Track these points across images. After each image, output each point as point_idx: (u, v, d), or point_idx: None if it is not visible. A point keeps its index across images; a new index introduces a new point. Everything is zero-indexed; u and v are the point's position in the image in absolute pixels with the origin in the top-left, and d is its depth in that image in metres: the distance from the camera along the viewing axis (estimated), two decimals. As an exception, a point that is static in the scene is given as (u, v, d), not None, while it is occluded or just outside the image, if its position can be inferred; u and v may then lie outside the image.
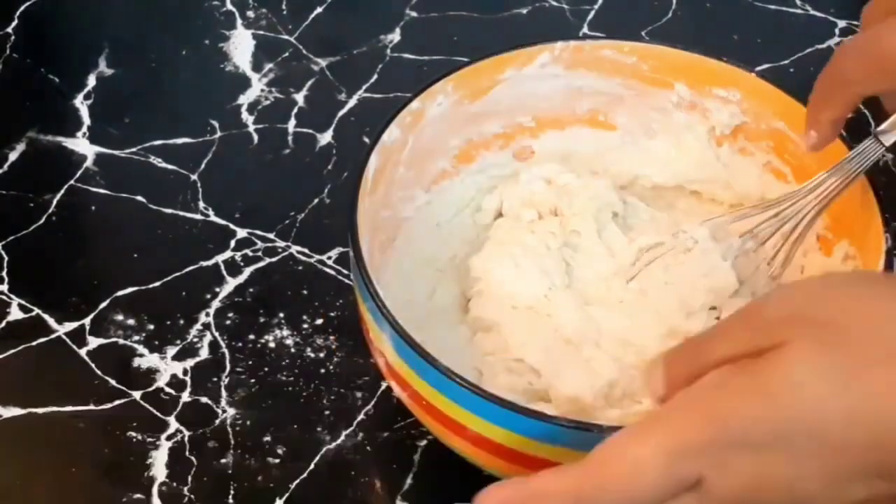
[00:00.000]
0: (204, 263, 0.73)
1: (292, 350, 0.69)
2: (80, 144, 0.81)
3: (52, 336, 0.70)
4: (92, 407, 0.66)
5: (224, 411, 0.66)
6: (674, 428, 0.42)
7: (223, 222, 0.76)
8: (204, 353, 0.69)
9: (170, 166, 0.79)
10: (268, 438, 0.65)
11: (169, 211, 0.76)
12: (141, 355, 0.69)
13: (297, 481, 0.63)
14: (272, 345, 0.69)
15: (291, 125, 0.82)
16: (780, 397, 0.41)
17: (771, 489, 0.42)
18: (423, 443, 0.64)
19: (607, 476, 0.42)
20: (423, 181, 0.68)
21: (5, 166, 0.79)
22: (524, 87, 0.68)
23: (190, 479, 0.63)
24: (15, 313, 0.71)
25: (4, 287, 0.72)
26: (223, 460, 0.64)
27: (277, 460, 0.64)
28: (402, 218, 0.67)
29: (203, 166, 0.79)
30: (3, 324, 0.70)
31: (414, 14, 0.89)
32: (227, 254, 0.74)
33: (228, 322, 0.70)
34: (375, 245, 0.64)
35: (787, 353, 0.41)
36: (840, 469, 0.41)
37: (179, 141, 0.81)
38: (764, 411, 0.41)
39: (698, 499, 0.42)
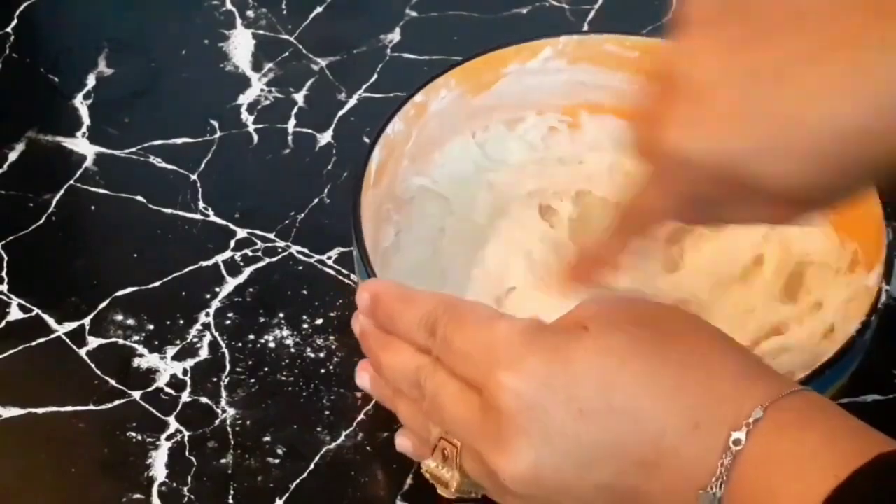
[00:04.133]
0: (204, 263, 0.73)
1: (292, 350, 0.69)
2: (80, 144, 0.81)
3: (52, 336, 0.70)
4: (92, 407, 0.66)
5: (224, 411, 0.66)
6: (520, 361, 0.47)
7: (223, 222, 0.76)
8: (204, 353, 0.69)
9: (169, 166, 0.79)
10: (268, 438, 0.65)
11: (169, 211, 0.76)
12: (141, 355, 0.69)
13: (297, 481, 0.63)
14: (272, 345, 0.69)
15: (291, 125, 0.82)
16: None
17: None
18: (424, 443, 0.64)
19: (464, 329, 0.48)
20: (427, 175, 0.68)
21: (5, 166, 0.79)
22: (527, 82, 0.68)
23: (190, 479, 0.63)
24: (15, 313, 0.71)
25: (4, 287, 0.72)
26: (223, 460, 0.64)
27: (277, 460, 0.64)
28: (406, 210, 0.67)
29: (203, 166, 0.79)
30: (3, 324, 0.70)
31: (414, 14, 0.89)
32: (227, 254, 0.74)
33: (228, 322, 0.70)
34: (379, 237, 0.64)
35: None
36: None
37: (179, 141, 0.81)
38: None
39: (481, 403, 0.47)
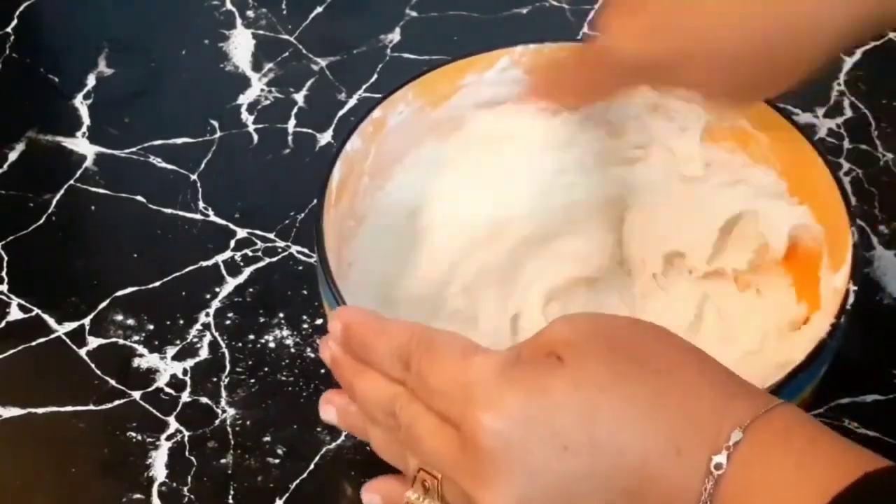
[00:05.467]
0: (204, 263, 0.73)
1: (292, 350, 0.69)
2: (80, 144, 0.81)
3: (52, 336, 0.70)
4: (92, 407, 0.66)
5: (224, 411, 0.66)
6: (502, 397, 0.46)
7: (223, 222, 0.76)
8: (204, 353, 0.69)
9: (170, 166, 0.79)
10: (268, 438, 0.65)
11: (169, 211, 0.76)
12: (141, 355, 0.69)
13: (297, 481, 0.63)
14: (272, 345, 0.69)
15: (291, 125, 0.82)
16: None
17: None
18: (423, 443, 0.64)
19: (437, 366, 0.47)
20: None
21: (5, 166, 0.79)
22: (485, 93, 0.67)
23: (190, 479, 0.63)
24: (15, 313, 0.71)
25: (4, 287, 0.72)
26: (223, 460, 0.64)
27: (277, 460, 0.64)
28: (367, 228, 0.67)
29: (203, 166, 0.79)
30: (3, 324, 0.70)
31: (414, 14, 0.89)
32: (227, 254, 0.74)
33: (228, 322, 0.70)
34: (342, 256, 0.63)
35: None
36: None
37: (179, 141, 0.81)
38: None
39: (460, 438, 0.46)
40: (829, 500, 0.41)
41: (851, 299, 0.56)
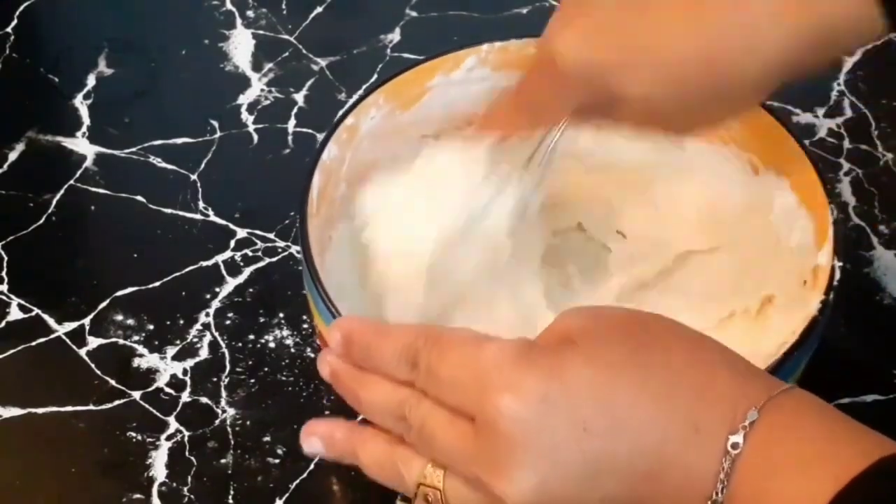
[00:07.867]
0: (204, 263, 0.73)
1: (292, 350, 0.69)
2: (80, 144, 0.81)
3: (52, 336, 0.70)
4: (92, 407, 0.66)
5: (224, 411, 0.66)
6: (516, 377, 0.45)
7: (223, 222, 0.76)
8: (204, 353, 0.69)
9: (169, 166, 0.79)
10: (268, 438, 0.65)
11: (169, 211, 0.76)
12: (141, 355, 0.69)
13: (297, 481, 0.63)
14: (272, 345, 0.69)
15: (291, 125, 0.82)
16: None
17: None
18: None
19: (448, 349, 0.47)
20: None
21: (5, 166, 0.79)
22: (453, 92, 0.67)
23: (190, 479, 0.63)
24: (15, 313, 0.71)
25: (4, 287, 0.72)
26: (223, 460, 0.64)
27: (277, 460, 0.64)
28: (344, 234, 0.66)
29: (203, 166, 0.79)
30: (3, 324, 0.70)
31: (414, 14, 0.89)
32: (227, 254, 0.74)
33: (228, 322, 0.70)
34: (324, 266, 0.63)
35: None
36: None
37: (179, 141, 0.81)
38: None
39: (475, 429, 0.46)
40: (846, 482, 0.41)
41: (838, 275, 0.56)
